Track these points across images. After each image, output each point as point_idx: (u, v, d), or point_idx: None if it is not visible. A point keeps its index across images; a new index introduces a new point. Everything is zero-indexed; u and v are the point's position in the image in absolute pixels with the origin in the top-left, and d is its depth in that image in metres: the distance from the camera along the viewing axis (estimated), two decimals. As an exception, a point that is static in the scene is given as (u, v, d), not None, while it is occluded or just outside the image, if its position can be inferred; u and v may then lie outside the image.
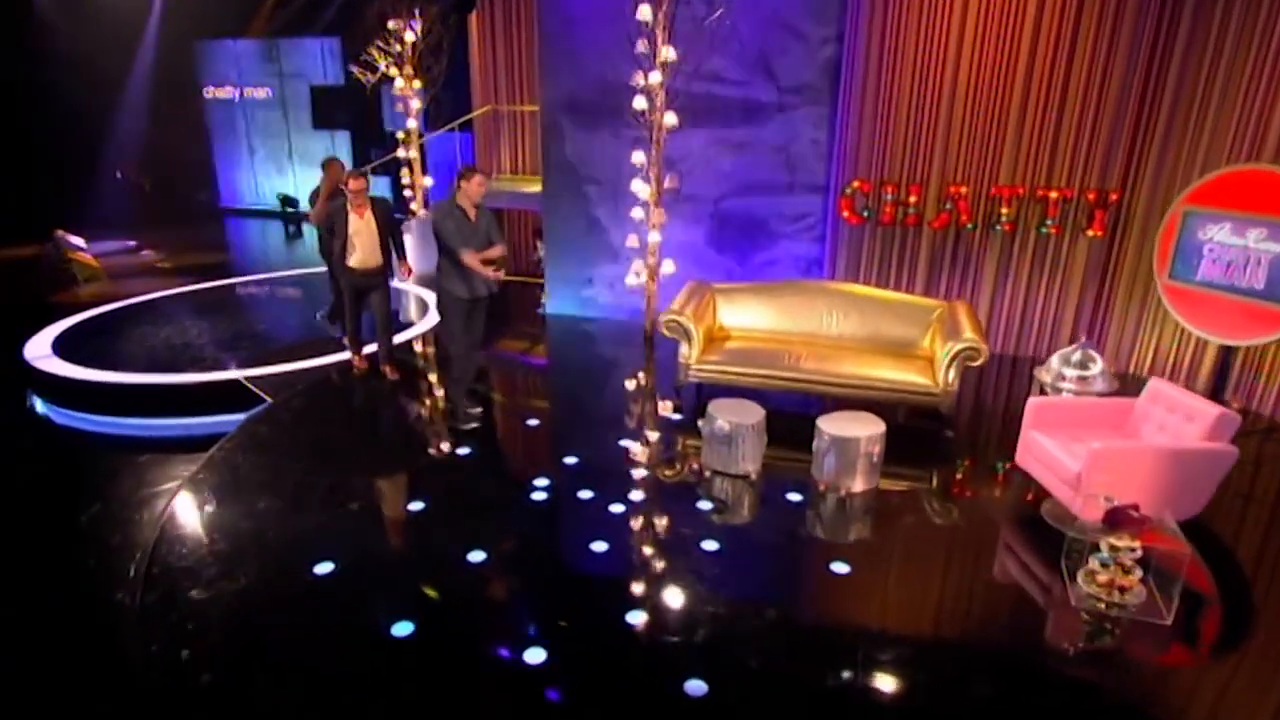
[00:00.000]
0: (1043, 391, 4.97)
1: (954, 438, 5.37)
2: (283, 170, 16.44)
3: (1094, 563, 3.64)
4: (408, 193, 10.61)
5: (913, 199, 6.83)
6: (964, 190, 6.67)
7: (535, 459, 5.17)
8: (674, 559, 4.01)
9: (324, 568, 3.81)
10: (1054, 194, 6.47)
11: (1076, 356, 4.80)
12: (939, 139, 6.70)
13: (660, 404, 6.01)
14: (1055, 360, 4.91)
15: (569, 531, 4.34)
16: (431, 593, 3.70)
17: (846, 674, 3.19)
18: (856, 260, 7.23)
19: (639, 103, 6.85)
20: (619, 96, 7.38)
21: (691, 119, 7.01)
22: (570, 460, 5.02)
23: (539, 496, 4.58)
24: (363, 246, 5.97)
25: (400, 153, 10.49)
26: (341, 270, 6.09)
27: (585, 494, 4.60)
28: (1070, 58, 6.22)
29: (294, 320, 9.03)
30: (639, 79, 6.75)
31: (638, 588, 3.76)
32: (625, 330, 7.82)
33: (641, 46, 6.66)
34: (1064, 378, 4.78)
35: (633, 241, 7.26)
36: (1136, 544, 3.50)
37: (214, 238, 14.37)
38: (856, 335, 5.89)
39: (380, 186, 15.26)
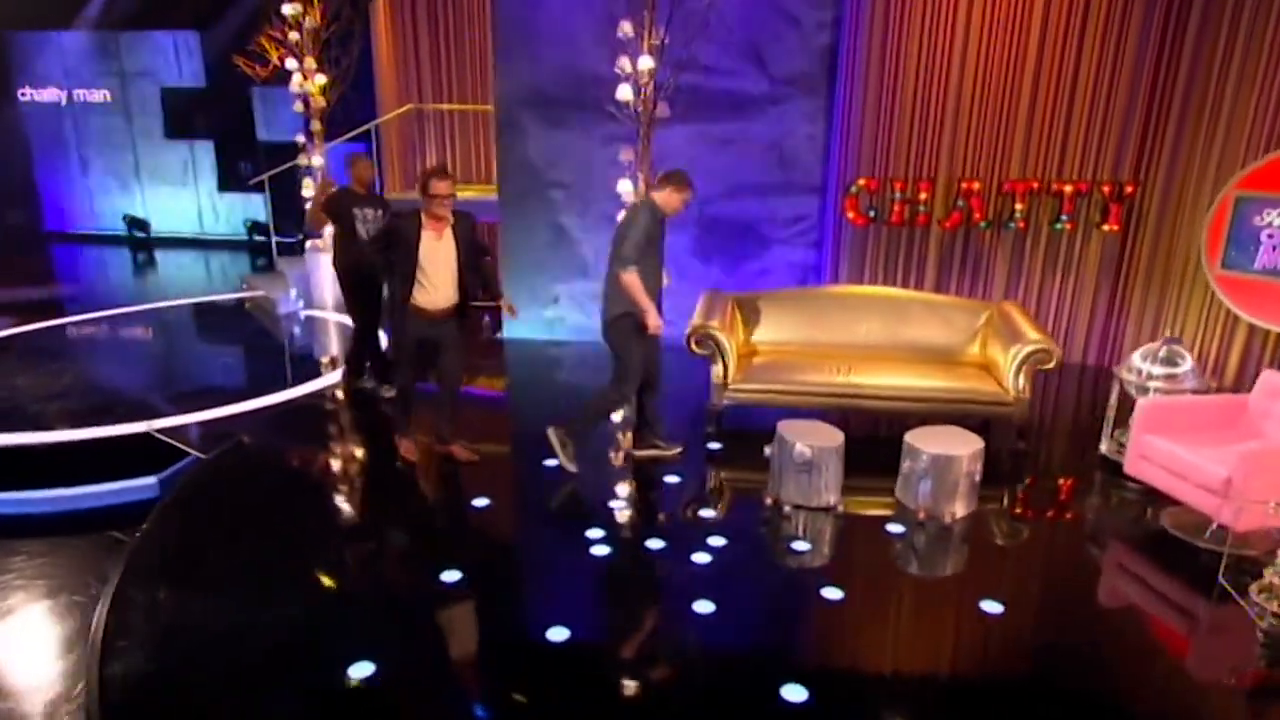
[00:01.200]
0: (1124, 392, 4.87)
1: (1026, 450, 5.19)
2: (127, 187, 14.72)
3: (1273, 577, 3.46)
4: (308, 207, 9.58)
5: (923, 196, 6.73)
6: (976, 186, 6.63)
7: (571, 507, 4.52)
8: (798, 613, 3.52)
9: (362, 670, 3.05)
10: (1069, 188, 6.53)
11: (1163, 353, 4.72)
12: (946, 131, 6.65)
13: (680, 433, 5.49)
14: (1137, 358, 4.83)
15: (655, 591, 3.75)
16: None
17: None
18: (860, 265, 7.05)
19: (623, 93, 6.41)
20: (590, 87, 6.93)
21: (672, 113, 6.62)
22: (616, 505, 4.44)
23: (600, 551, 3.96)
24: (438, 280, 4.49)
25: (301, 160, 9.50)
26: (403, 312, 4.61)
27: (655, 544, 4.03)
28: (1080, 43, 6.32)
29: (169, 363, 7.82)
30: (624, 65, 6.31)
31: (775, 653, 3.23)
32: (603, 355, 7.21)
33: (625, 28, 6.24)
34: (1151, 376, 4.69)
35: (618, 250, 6.74)
36: (1324, 552, 3.35)
37: (40, 268, 12.59)
38: (896, 344, 5.64)
39: (256, 206, 14.01)
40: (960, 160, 6.69)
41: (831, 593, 3.62)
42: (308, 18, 9.01)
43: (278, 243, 10.64)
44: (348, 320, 6.24)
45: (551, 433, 4.79)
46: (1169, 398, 4.40)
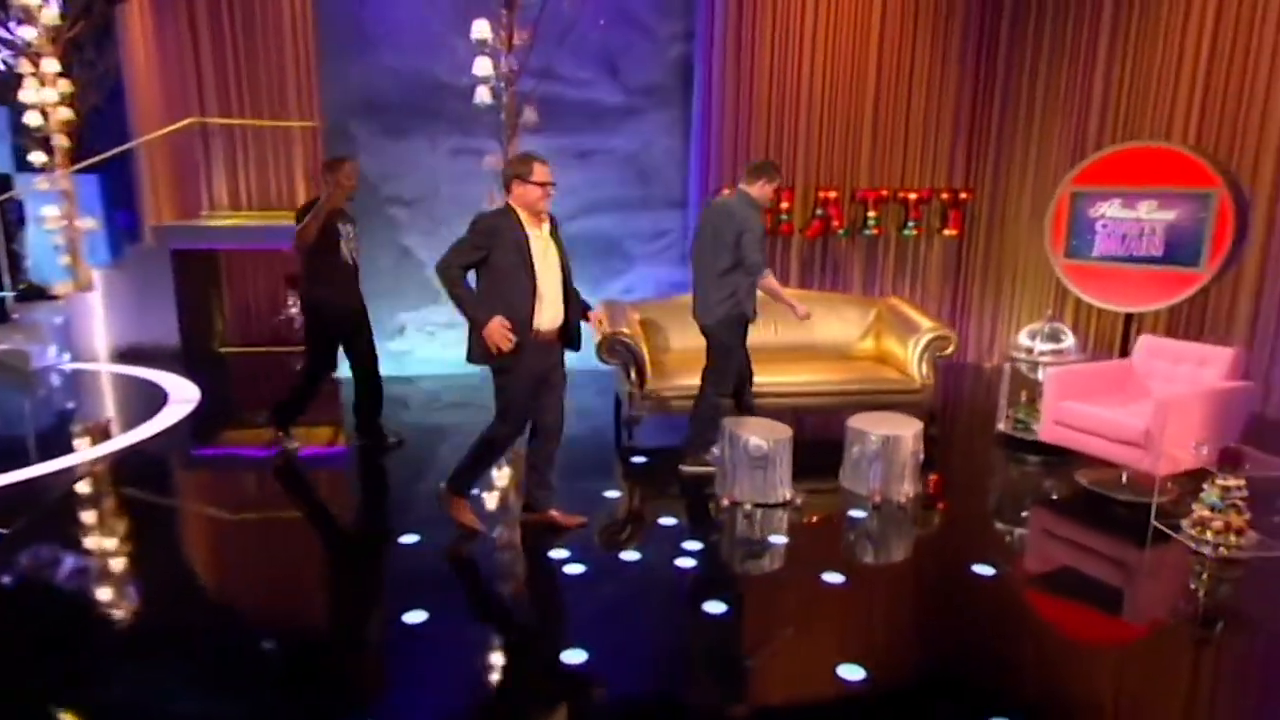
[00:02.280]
0: (1015, 369, 5.48)
1: (938, 434, 5.63)
2: None
3: (1202, 510, 4.01)
4: (57, 241, 8.27)
5: (785, 206, 7.20)
6: (833, 195, 7.22)
7: (520, 530, 4.21)
8: (812, 600, 3.54)
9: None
10: (913, 196, 7.31)
11: (1047, 330, 5.39)
12: (801, 142, 7.21)
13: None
14: (1023, 337, 5.47)
15: (656, 600, 3.59)
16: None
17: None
18: (727, 277, 7.35)
19: (482, 96, 6.28)
20: (435, 93, 6.75)
21: (537, 120, 6.61)
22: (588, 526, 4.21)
23: (575, 569, 3.73)
24: (551, 292, 3.80)
25: (42, 184, 8.20)
26: (518, 338, 3.68)
27: (630, 555, 3.88)
28: (912, 62, 7.18)
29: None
30: (484, 68, 6.20)
31: (816, 636, 3.22)
32: (461, 389, 6.85)
33: (482, 29, 6.15)
34: (1041, 353, 5.33)
35: (484, 267, 6.50)
36: (1243, 482, 3.95)
37: None
38: (799, 343, 5.92)
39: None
40: (815, 170, 7.26)
41: (833, 577, 3.68)
42: (44, 10, 7.91)
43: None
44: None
45: (686, 468, 4.88)
46: (1076, 366, 5.02)
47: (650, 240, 7.40)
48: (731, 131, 7.14)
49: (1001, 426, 5.59)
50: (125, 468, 5.11)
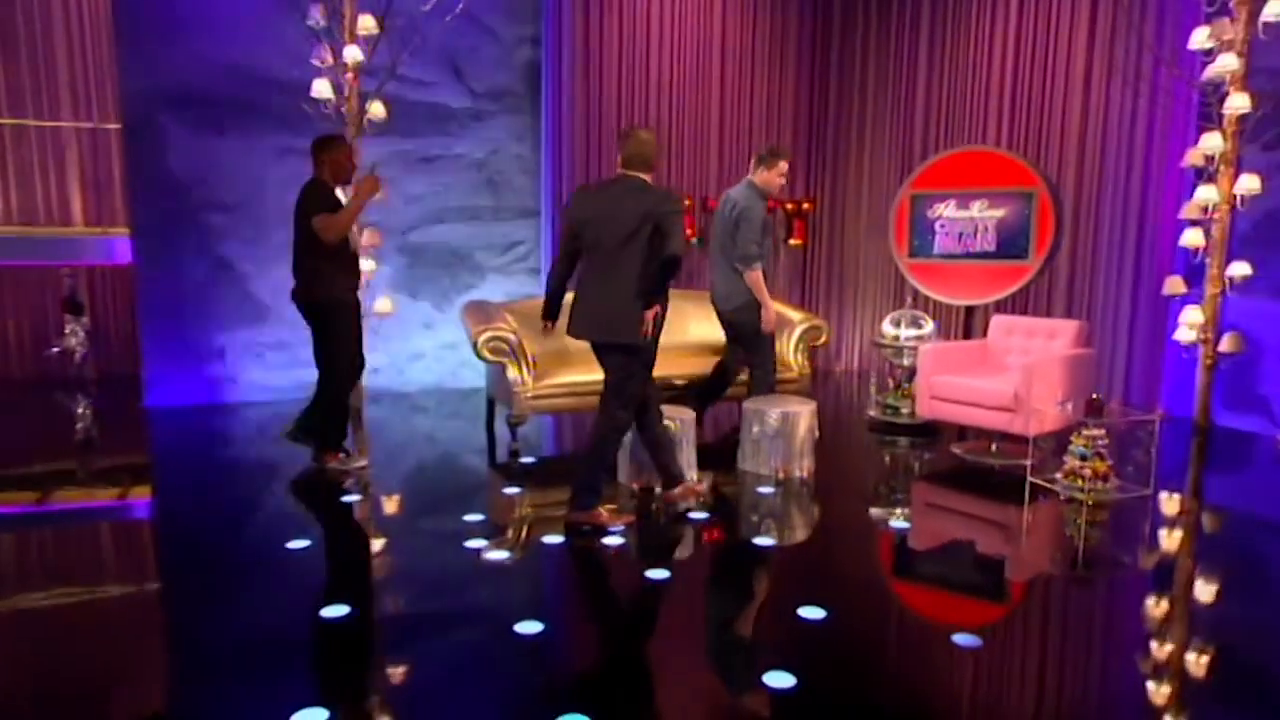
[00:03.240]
0: (882, 358, 6.04)
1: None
2: None
3: (1073, 461, 4.60)
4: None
5: (638, 214, 7.51)
6: (688, 203, 7.63)
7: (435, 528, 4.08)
8: (749, 561, 3.72)
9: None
10: (762, 205, 7.90)
11: (908, 318, 5.99)
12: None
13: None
14: (887, 325, 6.05)
15: (595, 574, 3.61)
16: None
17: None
18: (582, 288, 7.53)
19: (321, 90, 6.14)
20: (260, 88, 6.50)
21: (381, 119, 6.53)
22: (472, 517, 4.13)
23: (496, 556, 3.68)
24: None
25: None
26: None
27: (553, 539, 3.88)
28: (752, 76, 7.83)
29: None
30: (324, 57, 6.09)
31: (786, 582, 3.38)
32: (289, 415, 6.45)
33: (316, 16, 6.06)
34: (906, 338, 5.91)
35: (327, 275, 6.26)
36: (1104, 432, 4.59)
37: None
38: (672, 341, 6.10)
39: None
40: (667, 179, 7.64)
41: (763, 541, 3.90)
42: None
43: None
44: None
45: None
46: (944, 344, 5.61)
47: (502, 252, 7.42)
48: (583, 140, 7.38)
49: (872, 412, 6.11)
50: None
